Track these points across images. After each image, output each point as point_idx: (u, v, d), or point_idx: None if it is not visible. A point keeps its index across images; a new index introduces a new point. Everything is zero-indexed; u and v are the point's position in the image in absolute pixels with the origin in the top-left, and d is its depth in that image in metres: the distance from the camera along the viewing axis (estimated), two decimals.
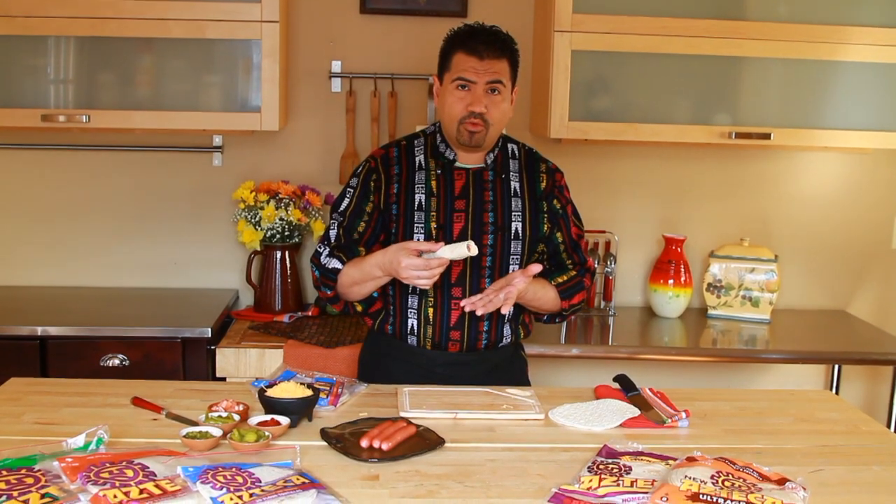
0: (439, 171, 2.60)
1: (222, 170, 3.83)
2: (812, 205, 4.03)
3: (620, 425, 2.25)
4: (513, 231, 2.61)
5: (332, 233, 2.61)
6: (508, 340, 2.69)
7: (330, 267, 2.55)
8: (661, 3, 3.44)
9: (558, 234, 2.70)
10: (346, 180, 3.76)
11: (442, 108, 2.58)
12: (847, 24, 3.47)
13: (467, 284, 2.58)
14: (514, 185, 2.65)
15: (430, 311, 2.59)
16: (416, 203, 2.56)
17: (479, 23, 2.59)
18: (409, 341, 2.62)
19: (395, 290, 2.62)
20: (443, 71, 2.61)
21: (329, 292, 2.61)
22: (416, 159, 2.62)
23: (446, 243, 2.41)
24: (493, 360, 2.67)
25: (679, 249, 3.81)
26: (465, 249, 2.31)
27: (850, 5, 3.49)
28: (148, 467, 1.76)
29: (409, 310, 2.60)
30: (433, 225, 2.55)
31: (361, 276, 2.51)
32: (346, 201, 2.62)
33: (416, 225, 2.55)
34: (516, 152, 2.70)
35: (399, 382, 2.52)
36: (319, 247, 2.61)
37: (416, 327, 2.60)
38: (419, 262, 2.33)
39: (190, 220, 3.86)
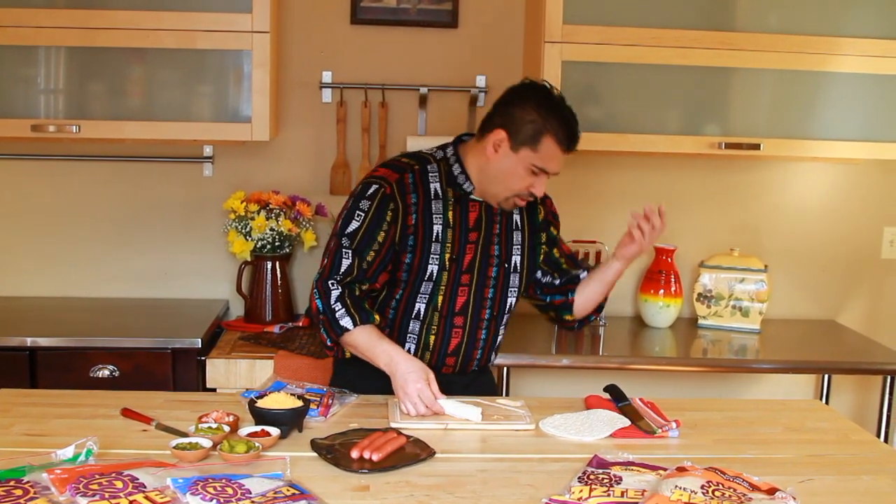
0: (455, 201, 2.56)
1: (213, 180, 3.83)
2: (802, 215, 4.04)
3: (611, 435, 2.25)
4: (513, 264, 2.65)
5: (345, 263, 2.47)
6: (490, 362, 2.77)
7: (341, 323, 2.44)
8: (651, 14, 3.45)
9: (555, 251, 2.78)
10: (336, 191, 3.79)
11: (504, 175, 2.49)
12: (837, 35, 3.49)
13: (469, 314, 2.60)
14: (516, 217, 2.67)
15: (432, 338, 2.59)
16: (434, 234, 2.52)
17: (558, 92, 2.49)
18: None
19: (397, 314, 2.58)
20: (523, 142, 2.44)
21: (329, 342, 2.53)
22: (432, 187, 2.55)
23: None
24: (470, 377, 2.71)
25: (669, 259, 3.82)
26: (470, 414, 2.32)
27: (840, 16, 3.51)
28: (137, 479, 1.75)
29: (409, 334, 2.59)
30: (447, 256, 2.54)
31: (366, 351, 2.46)
32: (354, 224, 2.49)
33: (432, 256, 2.53)
34: None
35: (379, 391, 2.51)
36: (331, 283, 2.46)
37: (412, 351, 2.58)
38: (429, 395, 2.34)
39: (180, 231, 3.85)
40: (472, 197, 2.57)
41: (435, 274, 2.53)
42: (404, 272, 2.53)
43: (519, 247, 2.66)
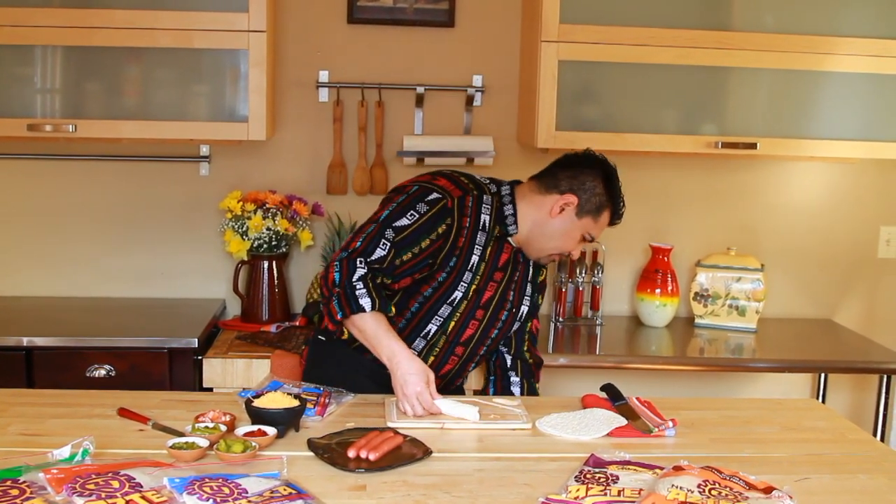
0: (496, 238, 2.58)
1: (209, 179, 3.82)
2: (798, 214, 4.05)
3: (608, 434, 2.25)
4: (521, 312, 2.70)
5: (380, 252, 2.44)
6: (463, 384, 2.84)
7: (360, 302, 2.39)
8: (648, 14, 3.45)
9: (527, 324, 2.82)
10: (333, 190, 3.79)
11: (560, 235, 2.58)
12: (833, 35, 3.49)
13: (470, 347, 2.64)
14: (531, 270, 2.71)
15: (431, 358, 2.60)
16: (471, 263, 2.54)
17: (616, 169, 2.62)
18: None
19: (408, 326, 2.57)
20: (589, 211, 2.56)
21: (339, 316, 2.42)
22: (483, 218, 2.56)
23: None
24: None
25: (666, 259, 3.82)
26: (467, 414, 2.32)
27: (837, 16, 3.51)
28: (134, 478, 1.75)
29: (412, 350, 2.55)
30: (473, 287, 2.55)
31: (371, 338, 2.42)
32: (404, 221, 2.46)
33: (461, 283, 2.53)
34: None
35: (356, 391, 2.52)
36: (359, 261, 2.42)
37: None
38: (428, 399, 2.33)
39: (177, 230, 3.85)
40: (509, 239, 2.61)
41: (457, 301, 2.55)
42: (430, 288, 2.53)
43: (528, 298, 2.72)
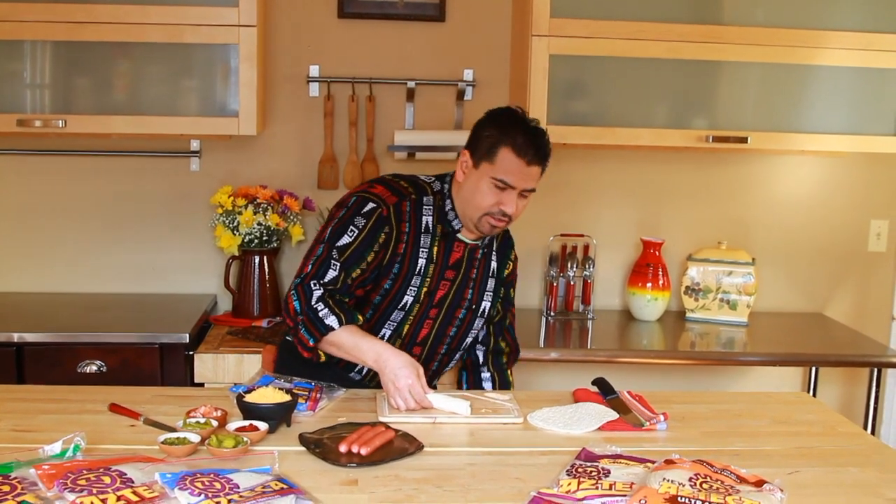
0: (441, 237, 2.55)
1: (200, 175, 3.82)
2: (789, 208, 4.05)
3: (599, 428, 2.25)
4: (481, 309, 2.67)
5: (331, 273, 2.43)
6: (433, 385, 2.77)
7: (326, 322, 2.39)
8: (639, 8, 3.46)
9: (504, 320, 2.80)
10: (324, 185, 3.79)
11: (472, 194, 2.46)
12: (824, 29, 3.50)
13: (428, 346, 2.61)
14: (493, 265, 2.68)
15: None
16: (418, 268, 2.51)
17: (523, 112, 2.50)
18: (353, 378, 2.61)
19: None
20: (482, 156, 2.45)
21: (311, 342, 2.42)
22: (424, 220, 2.52)
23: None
24: None
25: (657, 253, 3.82)
26: (458, 408, 2.31)
27: (827, 10, 3.52)
28: (125, 474, 1.75)
29: None
30: (424, 290, 2.53)
31: (351, 349, 2.41)
32: (346, 238, 2.45)
33: (410, 288, 2.51)
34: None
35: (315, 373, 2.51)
36: (313, 283, 2.42)
37: (365, 370, 2.57)
38: (420, 391, 2.32)
39: (168, 226, 3.84)
40: (458, 236, 2.57)
41: (408, 305, 2.53)
42: (379, 295, 2.52)
43: (490, 294, 2.68)
